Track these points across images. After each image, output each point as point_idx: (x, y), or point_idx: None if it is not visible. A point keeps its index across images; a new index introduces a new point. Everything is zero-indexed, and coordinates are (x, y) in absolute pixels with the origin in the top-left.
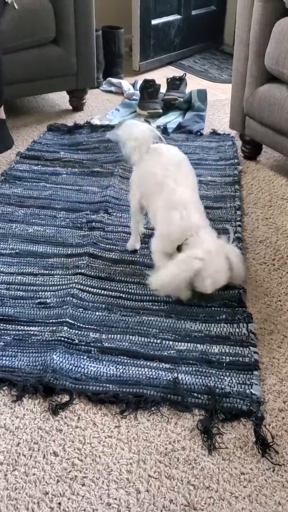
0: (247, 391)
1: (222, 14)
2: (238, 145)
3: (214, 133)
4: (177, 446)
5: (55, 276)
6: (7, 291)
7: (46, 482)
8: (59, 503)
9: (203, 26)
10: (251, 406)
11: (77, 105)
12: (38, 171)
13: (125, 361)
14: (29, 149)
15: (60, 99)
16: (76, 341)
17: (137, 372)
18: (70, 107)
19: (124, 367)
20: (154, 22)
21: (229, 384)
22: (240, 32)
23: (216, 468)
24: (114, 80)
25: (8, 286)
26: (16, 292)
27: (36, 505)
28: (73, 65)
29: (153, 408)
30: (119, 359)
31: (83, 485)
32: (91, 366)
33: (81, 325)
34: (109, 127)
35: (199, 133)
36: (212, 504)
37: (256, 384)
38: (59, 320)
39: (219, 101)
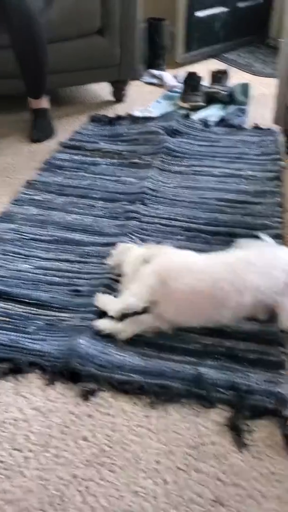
0: (274, 389)
1: (268, 7)
2: (281, 141)
3: (256, 127)
4: (206, 440)
5: (90, 264)
6: (44, 276)
7: (75, 465)
8: (87, 487)
9: (249, 19)
10: (277, 405)
11: (118, 96)
12: (78, 160)
13: (150, 352)
14: (71, 139)
15: (102, 89)
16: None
17: (161, 364)
18: (112, 98)
19: (149, 358)
20: (199, 14)
21: (256, 381)
22: None
23: (245, 465)
24: (156, 72)
25: (45, 271)
26: (52, 277)
27: (65, 487)
28: (116, 56)
29: (183, 400)
30: (144, 351)
31: (111, 471)
32: (116, 354)
33: None
34: (150, 119)
35: (240, 127)
36: (240, 502)
37: (283, 383)
38: (88, 308)
39: (262, 95)
